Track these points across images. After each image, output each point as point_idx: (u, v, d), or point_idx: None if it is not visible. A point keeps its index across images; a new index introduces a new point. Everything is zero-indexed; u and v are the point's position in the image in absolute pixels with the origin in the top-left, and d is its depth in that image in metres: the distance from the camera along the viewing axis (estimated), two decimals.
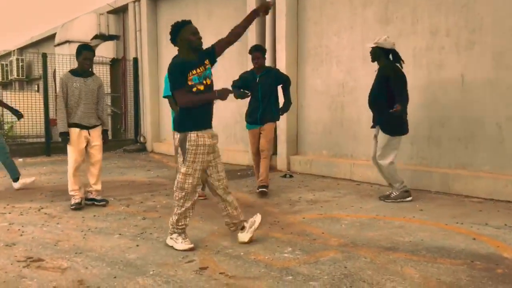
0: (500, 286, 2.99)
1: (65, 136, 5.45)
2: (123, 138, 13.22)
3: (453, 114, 6.20)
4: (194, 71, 3.79)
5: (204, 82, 3.85)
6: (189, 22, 4.00)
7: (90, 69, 5.68)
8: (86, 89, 5.48)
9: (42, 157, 11.15)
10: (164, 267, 3.42)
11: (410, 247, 3.84)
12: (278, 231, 4.38)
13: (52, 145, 11.71)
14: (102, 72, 13.28)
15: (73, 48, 12.67)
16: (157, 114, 12.35)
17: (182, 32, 3.89)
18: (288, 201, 5.76)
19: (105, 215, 5.16)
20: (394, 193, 5.65)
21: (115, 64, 13.56)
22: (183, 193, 3.81)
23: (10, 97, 13.45)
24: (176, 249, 3.79)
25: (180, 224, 3.86)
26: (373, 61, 5.75)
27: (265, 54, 6.36)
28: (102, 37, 13.47)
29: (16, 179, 6.86)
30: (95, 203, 5.65)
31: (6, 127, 13.10)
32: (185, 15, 11.13)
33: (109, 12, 13.49)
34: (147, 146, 12.55)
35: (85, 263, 3.53)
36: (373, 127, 5.82)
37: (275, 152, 8.54)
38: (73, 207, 5.44)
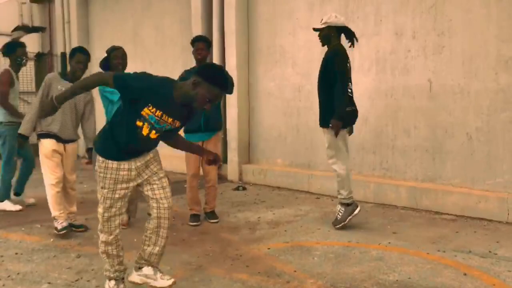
0: None
1: (24, 140, 4.86)
2: None
3: (420, 123, 5.79)
4: None
5: None
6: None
7: (82, 75, 4.75)
8: (73, 100, 4.57)
9: None
10: None
11: None
12: (243, 270, 3.71)
13: None
14: (25, 68, 11.96)
15: None
16: None
17: None
18: (247, 224, 5.10)
19: (30, 251, 4.26)
20: (341, 212, 4.87)
21: (41, 59, 12.25)
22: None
23: None
24: None
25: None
26: (323, 45, 4.92)
27: (209, 47, 5.38)
28: (25, 29, 12.12)
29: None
30: (73, 228, 4.82)
31: None
32: (119, 6, 10.20)
33: (32, 1, 12.16)
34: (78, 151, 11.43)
35: None
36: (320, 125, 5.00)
37: (225, 161, 7.85)
38: (59, 232, 4.61)
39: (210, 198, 5.30)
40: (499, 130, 5.20)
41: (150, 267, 3.13)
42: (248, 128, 7.72)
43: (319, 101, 4.90)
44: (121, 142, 2.93)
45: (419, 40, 5.75)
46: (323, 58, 4.87)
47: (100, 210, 3.03)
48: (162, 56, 8.94)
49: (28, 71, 12.01)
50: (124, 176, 2.99)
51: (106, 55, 4.96)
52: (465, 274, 3.58)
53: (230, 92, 3.00)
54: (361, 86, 6.23)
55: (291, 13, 7.04)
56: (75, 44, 11.02)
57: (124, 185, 3.01)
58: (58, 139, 4.67)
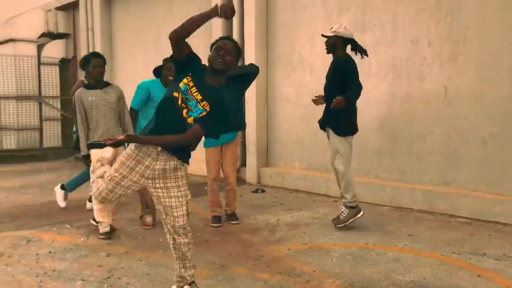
0: None
1: (87, 160, 4.96)
2: (74, 145, 12.28)
3: (436, 128, 5.92)
4: None
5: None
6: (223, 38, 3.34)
7: (103, 79, 5.02)
8: (105, 101, 4.86)
9: None
10: None
11: None
12: (264, 270, 3.91)
13: None
14: (50, 74, 12.39)
15: (18, 48, 11.78)
16: None
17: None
18: (267, 226, 5.29)
19: (62, 250, 4.52)
20: (344, 213, 5.08)
21: (65, 65, 12.63)
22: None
23: None
24: None
25: None
26: (328, 52, 5.17)
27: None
28: (50, 36, 12.55)
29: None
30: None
31: None
32: (141, 12, 10.49)
33: (57, 8, 12.56)
34: None
35: None
36: (321, 126, 5.28)
37: (244, 164, 8.07)
38: (102, 237, 4.86)
39: (230, 200, 5.51)
40: None
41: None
42: (266, 133, 7.92)
43: (328, 107, 5.06)
44: (160, 121, 3.04)
45: (434, 47, 5.88)
46: (333, 65, 5.07)
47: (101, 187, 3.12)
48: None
49: (53, 76, 12.44)
50: (140, 170, 3.06)
51: (160, 63, 5.29)
52: (479, 276, 3.73)
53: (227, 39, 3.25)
54: (378, 92, 6.40)
55: (310, 22, 7.23)
56: (99, 50, 11.35)
57: (134, 178, 3.06)
58: (104, 146, 4.70)
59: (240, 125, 5.53)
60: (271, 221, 5.51)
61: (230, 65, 3.10)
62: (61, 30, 12.55)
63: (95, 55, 5.10)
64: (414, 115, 6.12)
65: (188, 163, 3.19)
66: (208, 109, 3.01)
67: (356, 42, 5.10)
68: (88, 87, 5.00)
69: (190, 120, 2.98)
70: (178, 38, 3.00)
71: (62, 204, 6.23)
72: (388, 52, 6.33)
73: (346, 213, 5.03)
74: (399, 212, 5.84)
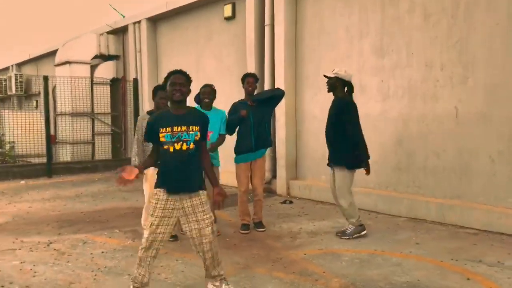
0: None
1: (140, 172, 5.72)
2: (123, 158, 13.36)
3: (448, 146, 6.41)
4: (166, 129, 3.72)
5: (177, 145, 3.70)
6: (175, 72, 3.84)
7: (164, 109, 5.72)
8: None
9: (43, 179, 11.30)
10: None
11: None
12: (281, 270, 4.56)
13: (53, 166, 11.89)
14: (102, 92, 13.50)
15: (74, 69, 12.96)
16: None
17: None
18: (289, 233, 5.94)
19: (112, 251, 5.32)
20: (350, 229, 5.69)
21: (115, 84, 13.74)
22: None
23: (9, 115, 13.63)
24: None
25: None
26: (329, 91, 5.79)
27: (257, 81, 6.30)
28: (102, 57, 13.67)
29: None
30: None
31: (7, 147, 13.21)
32: (184, 38, 11.41)
33: (108, 33, 13.69)
34: None
35: None
36: (328, 164, 5.84)
37: (274, 176, 8.75)
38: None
39: (257, 209, 6.18)
40: None
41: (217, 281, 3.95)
42: (295, 148, 8.58)
43: (330, 145, 5.73)
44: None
45: (446, 71, 6.39)
46: (334, 106, 5.71)
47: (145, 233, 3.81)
48: (221, 83, 9.95)
49: (104, 95, 13.55)
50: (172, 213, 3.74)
51: (199, 84, 5.98)
52: (468, 279, 4.24)
53: (175, 73, 3.79)
54: (396, 112, 6.95)
55: (334, 45, 7.86)
56: (145, 71, 12.40)
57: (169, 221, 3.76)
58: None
59: (267, 143, 6.21)
60: (294, 229, 6.15)
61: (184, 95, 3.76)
62: (112, 52, 13.66)
63: (162, 88, 5.78)
64: (429, 133, 6.62)
65: (205, 188, 3.87)
66: (198, 128, 3.74)
67: (352, 86, 5.72)
68: (150, 114, 5.73)
69: (191, 146, 3.70)
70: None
71: None
72: (404, 75, 6.87)
73: (351, 228, 5.67)
74: (414, 223, 6.34)
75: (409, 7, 6.78)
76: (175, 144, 3.67)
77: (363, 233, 5.67)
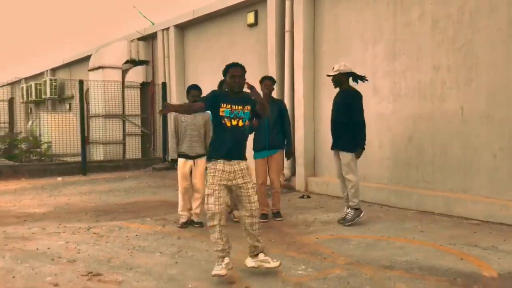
0: None
1: (174, 163, 6.50)
2: (152, 157, 14.11)
3: (454, 143, 6.86)
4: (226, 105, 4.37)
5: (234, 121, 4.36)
6: (233, 65, 4.46)
7: None
8: (193, 125, 6.27)
9: (79, 176, 12.11)
10: (201, 282, 4.19)
11: (405, 266, 4.54)
12: (294, 251, 5.12)
13: (87, 165, 12.69)
14: (132, 95, 14.30)
15: (106, 74, 13.79)
16: None
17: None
18: (304, 222, 6.49)
19: (145, 234, 5.97)
20: (350, 214, 6.24)
21: (145, 88, 14.53)
22: (209, 214, 4.38)
23: (45, 118, 14.55)
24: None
25: (215, 248, 4.38)
26: (336, 87, 6.48)
27: (274, 83, 6.86)
28: (132, 62, 14.47)
29: None
30: (194, 224, 6.37)
31: (44, 146, 14.12)
32: (209, 44, 12.09)
33: (139, 39, 14.48)
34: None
35: (136, 277, 4.33)
36: (333, 148, 6.46)
37: (293, 173, 9.31)
38: (179, 225, 6.29)
39: (275, 201, 6.75)
40: None
41: (262, 253, 4.52)
42: (313, 146, 9.12)
43: (338, 131, 6.37)
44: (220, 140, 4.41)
45: (452, 73, 6.85)
46: (341, 97, 6.37)
47: (210, 199, 4.33)
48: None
49: (134, 97, 14.34)
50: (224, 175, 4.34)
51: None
52: (461, 259, 4.72)
53: (233, 66, 4.43)
54: (407, 111, 7.44)
55: (349, 51, 8.39)
56: (173, 75, 13.12)
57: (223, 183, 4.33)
58: (187, 157, 6.29)
59: (280, 144, 6.77)
60: (309, 219, 6.70)
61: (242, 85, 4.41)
62: (142, 57, 14.46)
63: (195, 87, 6.42)
64: (437, 131, 7.08)
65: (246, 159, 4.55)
66: (250, 108, 4.42)
67: (355, 73, 6.36)
68: None
69: (246, 122, 4.42)
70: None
71: None
72: (414, 77, 7.35)
73: (351, 213, 6.22)
74: (422, 215, 6.80)
75: (419, 14, 7.26)
76: (232, 120, 4.33)
77: (361, 215, 6.25)
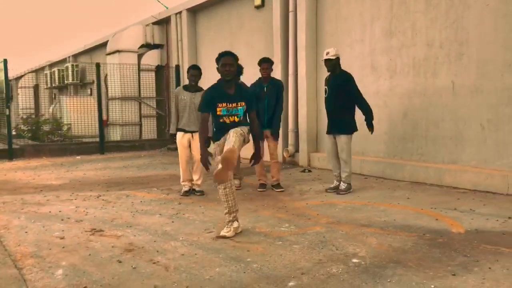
0: (434, 249, 4.01)
1: (173, 137, 6.88)
2: (166, 138, 14.62)
3: (446, 116, 7.12)
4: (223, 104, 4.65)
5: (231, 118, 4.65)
6: (224, 54, 4.70)
7: (196, 85, 6.81)
8: (191, 102, 6.67)
9: (96, 155, 12.72)
10: (190, 236, 4.63)
11: (381, 224, 4.89)
12: (283, 213, 5.52)
13: (105, 144, 13.28)
14: (148, 78, 14.80)
15: (122, 57, 14.30)
16: None
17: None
18: (299, 192, 6.87)
19: (149, 201, 6.45)
20: (343, 186, 6.61)
21: (160, 71, 15.01)
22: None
23: (67, 101, 15.19)
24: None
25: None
26: (330, 70, 6.71)
27: (272, 66, 7.20)
28: (148, 46, 14.94)
29: None
30: (195, 193, 6.81)
31: (64, 128, 14.78)
32: (220, 26, 12.47)
33: (154, 23, 14.93)
34: None
35: (134, 232, 4.79)
36: (330, 133, 6.73)
37: (297, 150, 9.67)
38: (181, 194, 6.74)
39: (274, 172, 7.11)
40: (505, 122, 6.40)
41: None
42: (316, 124, 9.45)
43: (337, 114, 6.63)
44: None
45: (444, 49, 7.09)
46: (339, 80, 6.63)
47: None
48: (251, 67, 10.93)
49: (150, 80, 14.83)
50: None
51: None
52: (436, 219, 5.04)
53: (225, 55, 4.67)
54: (402, 87, 7.71)
55: (349, 30, 8.66)
56: (186, 58, 13.54)
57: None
58: (185, 131, 6.73)
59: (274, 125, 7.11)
60: (304, 189, 7.08)
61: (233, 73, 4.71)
62: (157, 41, 14.91)
63: (194, 67, 6.86)
64: (430, 106, 7.35)
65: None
66: (244, 103, 4.75)
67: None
68: (185, 88, 6.87)
69: (241, 118, 4.72)
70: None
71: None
72: (409, 54, 7.60)
73: (345, 186, 6.64)
74: (413, 185, 7.11)
75: None
76: (230, 117, 4.68)
77: (351, 190, 6.66)
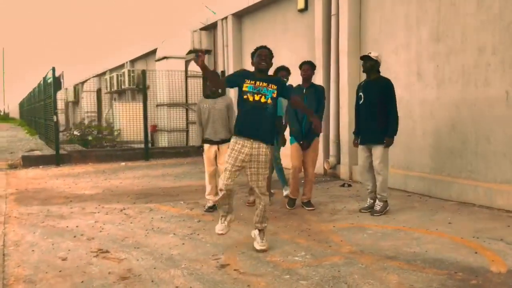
0: None
1: (199, 149, 6.70)
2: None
3: (498, 130, 6.35)
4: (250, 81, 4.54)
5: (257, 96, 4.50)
6: (260, 47, 4.73)
7: (217, 91, 6.49)
8: (214, 109, 6.38)
9: (141, 162, 12.74)
10: (194, 262, 4.29)
11: (409, 256, 4.32)
12: (303, 238, 5.05)
13: (150, 151, 13.31)
14: (195, 84, 14.72)
15: (170, 64, 14.29)
16: None
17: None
18: (331, 211, 6.36)
19: (170, 216, 6.19)
20: (378, 206, 6.04)
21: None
22: (218, 187, 4.69)
23: (118, 107, 15.41)
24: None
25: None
26: (366, 71, 6.23)
27: (314, 68, 6.72)
28: (195, 52, 14.84)
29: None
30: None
31: (115, 134, 14.99)
32: (264, 31, 12.11)
33: (201, 29, 14.83)
34: None
35: (138, 256, 4.53)
36: (364, 143, 6.21)
37: (339, 162, 9.12)
38: (205, 210, 6.48)
39: (306, 190, 6.63)
40: None
41: (257, 230, 4.70)
42: None
43: (374, 123, 6.08)
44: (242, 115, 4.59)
45: (498, 55, 6.32)
46: (379, 86, 6.13)
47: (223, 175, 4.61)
48: (295, 71, 10.53)
49: (197, 87, 14.75)
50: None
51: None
52: (476, 252, 4.39)
53: (261, 48, 4.70)
54: (450, 97, 7.00)
55: (394, 34, 8.02)
56: (231, 63, 13.32)
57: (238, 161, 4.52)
58: (211, 142, 6.40)
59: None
60: (337, 207, 6.55)
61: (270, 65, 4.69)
62: (204, 47, 14.80)
63: (222, 74, 6.60)
64: (480, 118, 6.59)
65: (273, 144, 4.69)
66: (275, 86, 4.57)
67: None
68: (206, 96, 6.56)
69: (269, 100, 4.52)
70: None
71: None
72: (458, 60, 6.88)
73: (380, 205, 6.04)
74: (459, 206, 6.40)
75: None
76: (255, 95, 4.48)
77: (388, 207, 6.10)
